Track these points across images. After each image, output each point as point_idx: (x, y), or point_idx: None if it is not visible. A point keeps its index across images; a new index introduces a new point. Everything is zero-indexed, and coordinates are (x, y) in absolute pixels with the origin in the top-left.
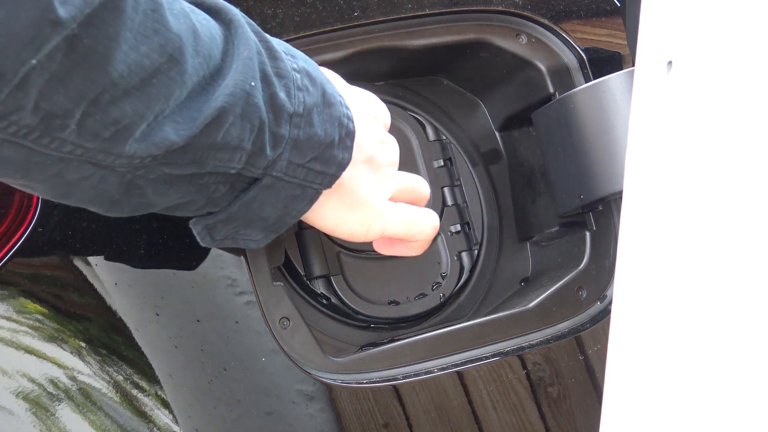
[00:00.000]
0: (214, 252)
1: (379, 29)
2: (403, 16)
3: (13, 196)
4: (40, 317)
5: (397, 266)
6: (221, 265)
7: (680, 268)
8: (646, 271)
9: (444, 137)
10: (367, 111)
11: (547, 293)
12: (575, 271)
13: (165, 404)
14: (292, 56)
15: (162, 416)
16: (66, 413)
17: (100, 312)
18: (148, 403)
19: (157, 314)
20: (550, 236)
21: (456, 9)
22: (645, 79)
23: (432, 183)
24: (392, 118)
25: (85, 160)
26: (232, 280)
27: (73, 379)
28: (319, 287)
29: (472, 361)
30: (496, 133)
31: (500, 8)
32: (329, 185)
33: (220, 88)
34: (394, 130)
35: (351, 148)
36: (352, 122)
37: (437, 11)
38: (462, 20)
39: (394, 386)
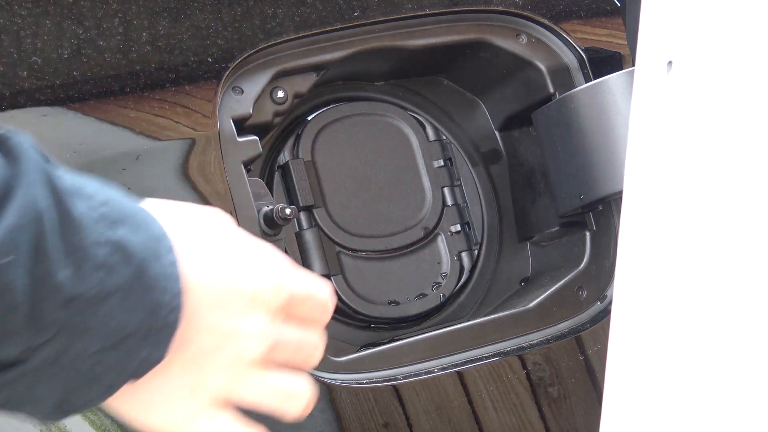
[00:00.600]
0: None
1: (379, 29)
2: (403, 16)
3: None
4: None
5: (397, 266)
6: None
7: (680, 268)
8: (646, 271)
9: (444, 137)
10: (240, 291)
11: (547, 293)
12: (575, 271)
13: None
14: (111, 222)
15: None
16: None
17: None
18: None
19: None
20: (550, 236)
21: (456, 9)
22: (645, 79)
23: (432, 183)
24: (392, 118)
25: None
26: None
27: None
28: None
29: (472, 361)
30: (496, 133)
31: (500, 8)
32: (124, 381)
33: None
34: (394, 129)
35: (166, 343)
36: (177, 313)
37: (437, 11)
38: (462, 20)
39: (394, 386)
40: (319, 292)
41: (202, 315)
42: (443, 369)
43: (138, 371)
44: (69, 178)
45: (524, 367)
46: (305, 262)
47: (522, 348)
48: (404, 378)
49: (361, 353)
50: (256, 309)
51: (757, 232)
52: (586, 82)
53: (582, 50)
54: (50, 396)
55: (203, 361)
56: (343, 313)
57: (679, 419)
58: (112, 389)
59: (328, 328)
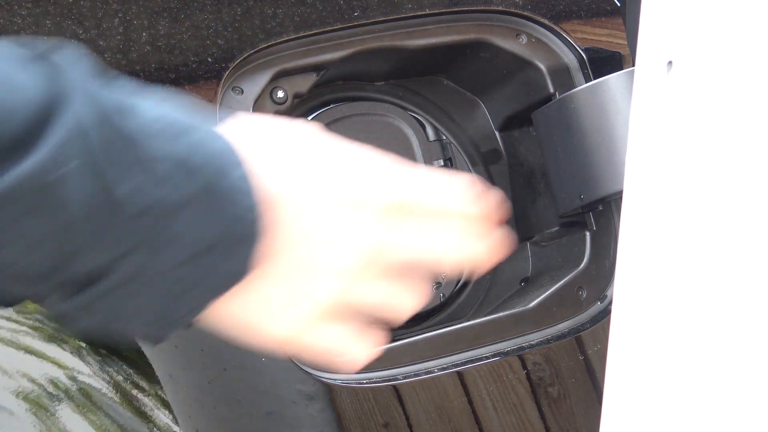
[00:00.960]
0: None
1: (379, 29)
2: (403, 16)
3: None
4: (40, 317)
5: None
6: None
7: (680, 268)
8: (646, 271)
9: (444, 137)
10: (329, 196)
11: (547, 293)
12: (575, 271)
13: (165, 404)
14: (170, 137)
15: (162, 416)
16: (66, 413)
17: None
18: (148, 403)
19: None
20: (550, 236)
21: (456, 9)
22: (645, 79)
23: None
24: (392, 118)
25: None
26: None
27: (73, 379)
28: None
29: (472, 361)
30: (496, 133)
31: (500, 8)
32: (211, 298)
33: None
34: (394, 129)
35: (248, 257)
36: (255, 226)
37: (437, 11)
38: (462, 20)
39: (394, 386)
40: (442, 185)
41: (290, 225)
42: (443, 369)
43: (222, 286)
44: (119, 95)
45: (524, 367)
46: None
47: (522, 348)
48: (404, 378)
49: None
50: (352, 212)
51: (757, 232)
52: (586, 82)
53: (582, 50)
54: (144, 312)
55: (303, 271)
56: None
57: (679, 419)
58: (199, 306)
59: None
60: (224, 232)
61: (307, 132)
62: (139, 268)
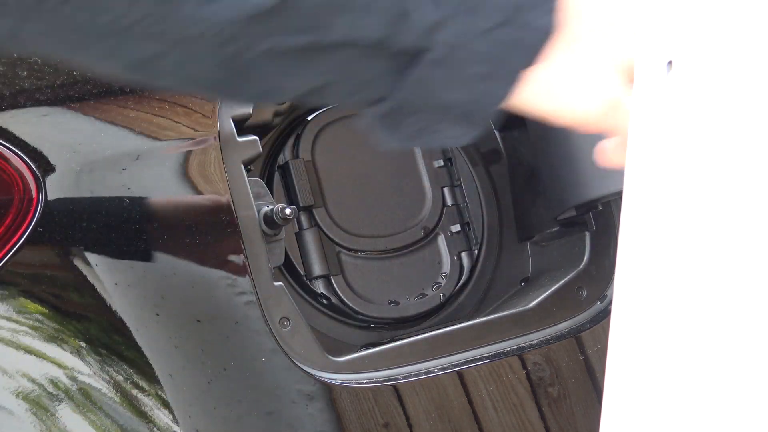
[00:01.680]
0: (214, 251)
1: None
2: None
3: (13, 197)
4: (40, 317)
5: (397, 266)
6: (221, 265)
7: (680, 268)
8: (646, 271)
9: None
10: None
11: (547, 293)
12: (575, 271)
13: (165, 404)
14: None
15: (162, 416)
16: (66, 413)
17: (100, 312)
18: (148, 403)
19: (157, 314)
20: (550, 236)
21: None
22: (645, 79)
23: (432, 183)
24: None
25: (143, 33)
26: (232, 280)
27: (73, 379)
28: (319, 287)
29: (472, 361)
30: (496, 133)
31: None
32: (530, 61)
33: None
34: None
35: (552, 11)
36: None
37: None
38: None
39: (394, 386)
40: None
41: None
42: (443, 369)
43: (533, 47)
44: None
45: (524, 367)
46: (305, 262)
47: (522, 348)
48: (404, 378)
49: (361, 353)
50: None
51: (757, 232)
52: None
53: None
54: (459, 97)
55: (598, 35)
56: (343, 313)
57: (679, 419)
58: (513, 75)
59: (329, 328)
60: None
61: None
62: (460, 34)
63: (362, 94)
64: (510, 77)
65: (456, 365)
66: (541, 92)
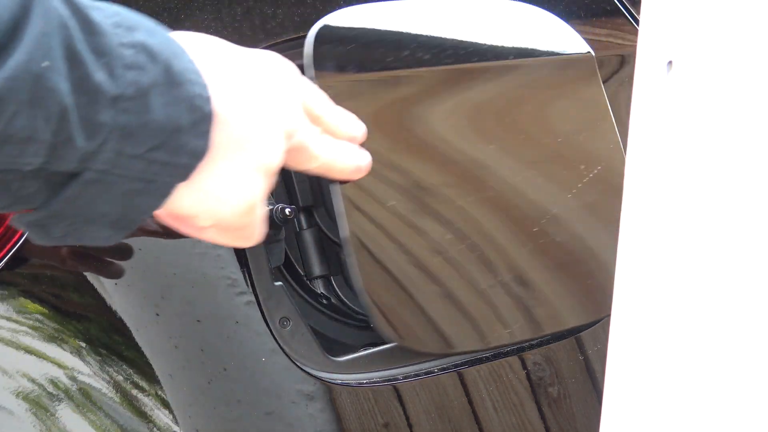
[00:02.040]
0: (214, 252)
1: None
2: None
3: None
4: (40, 317)
5: None
6: (221, 265)
7: (680, 268)
8: (645, 271)
9: None
10: (253, 86)
11: None
12: None
13: (165, 404)
14: (127, 28)
15: (162, 416)
16: (66, 413)
17: (100, 312)
18: (148, 403)
19: (157, 314)
20: None
21: None
22: (645, 79)
23: None
24: None
25: None
26: (232, 280)
27: (73, 379)
28: (319, 287)
29: (472, 362)
30: None
31: None
32: (183, 178)
33: None
34: None
35: (207, 133)
36: (209, 104)
37: None
38: None
39: (394, 386)
40: (344, 117)
41: (233, 106)
42: (443, 369)
43: (188, 166)
44: None
45: (524, 367)
46: (305, 262)
47: (522, 348)
48: (404, 378)
49: (361, 353)
50: (282, 100)
51: (757, 232)
52: None
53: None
54: (110, 210)
55: (252, 141)
56: (343, 313)
57: (679, 419)
58: (166, 190)
59: (329, 328)
60: (185, 113)
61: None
62: (113, 158)
63: (18, 206)
64: (162, 192)
65: (456, 365)
66: (192, 199)
